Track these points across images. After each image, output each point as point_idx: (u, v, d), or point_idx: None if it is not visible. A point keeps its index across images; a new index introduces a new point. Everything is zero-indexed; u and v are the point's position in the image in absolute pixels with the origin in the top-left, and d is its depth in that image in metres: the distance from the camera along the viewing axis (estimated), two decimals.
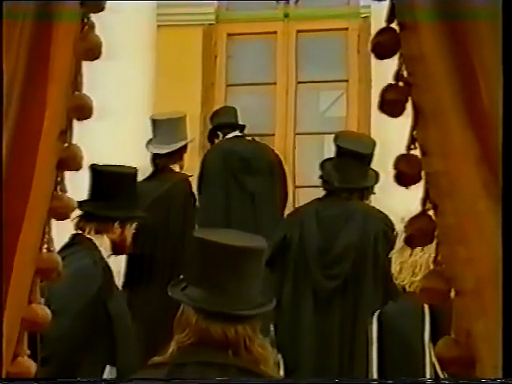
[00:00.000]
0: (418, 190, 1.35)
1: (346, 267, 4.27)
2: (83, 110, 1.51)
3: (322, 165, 4.54)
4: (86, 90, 1.52)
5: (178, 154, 5.27)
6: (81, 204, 3.25)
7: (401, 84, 1.32)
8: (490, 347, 1.21)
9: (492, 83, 1.17)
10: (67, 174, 1.55)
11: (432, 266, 1.37)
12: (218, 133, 5.62)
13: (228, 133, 5.59)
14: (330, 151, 5.07)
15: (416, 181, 1.33)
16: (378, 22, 1.36)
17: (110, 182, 3.53)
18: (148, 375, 2.10)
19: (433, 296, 1.37)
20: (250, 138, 5.69)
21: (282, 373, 4.11)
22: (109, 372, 3.22)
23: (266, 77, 6.90)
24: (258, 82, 6.94)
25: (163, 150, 5.17)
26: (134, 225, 3.61)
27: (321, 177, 4.52)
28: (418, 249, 2.64)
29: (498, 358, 1.19)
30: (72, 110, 1.50)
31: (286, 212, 5.33)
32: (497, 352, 1.19)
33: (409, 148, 1.33)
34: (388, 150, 3.65)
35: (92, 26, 1.48)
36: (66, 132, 1.51)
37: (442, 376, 2.52)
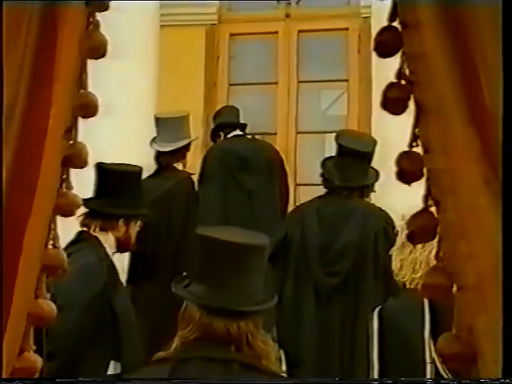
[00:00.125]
0: (418, 188, 1.35)
1: (346, 264, 4.28)
2: (88, 108, 1.51)
3: (323, 163, 4.55)
4: (90, 89, 1.52)
5: (181, 153, 5.26)
6: (86, 201, 3.26)
7: (403, 82, 1.33)
8: (491, 342, 1.22)
9: (493, 80, 1.18)
10: (72, 172, 1.55)
11: (432, 263, 1.38)
12: (220, 132, 5.63)
13: (230, 132, 5.57)
14: (331, 150, 5.09)
15: (418, 178, 1.33)
16: (379, 22, 1.37)
17: (115, 180, 3.54)
18: (152, 370, 2.11)
19: (435, 292, 1.37)
20: (250, 136, 5.68)
21: (283, 368, 4.12)
22: (113, 367, 3.24)
23: (268, 76, 6.92)
24: (259, 82, 6.96)
25: (167, 148, 5.16)
26: (138, 223, 3.63)
27: (322, 175, 4.52)
28: (419, 246, 2.65)
29: (498, 354, 1.20)
30: (77, 108, 1.50)
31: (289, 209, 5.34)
32: (497, 347, 1.20)
33: (411, 145, 1.33)
34: (388, 148, 3.66)
35: (97, 25, 1.48)
36: (71, 130, 1.51)
37: (442, 371, 2.53)
